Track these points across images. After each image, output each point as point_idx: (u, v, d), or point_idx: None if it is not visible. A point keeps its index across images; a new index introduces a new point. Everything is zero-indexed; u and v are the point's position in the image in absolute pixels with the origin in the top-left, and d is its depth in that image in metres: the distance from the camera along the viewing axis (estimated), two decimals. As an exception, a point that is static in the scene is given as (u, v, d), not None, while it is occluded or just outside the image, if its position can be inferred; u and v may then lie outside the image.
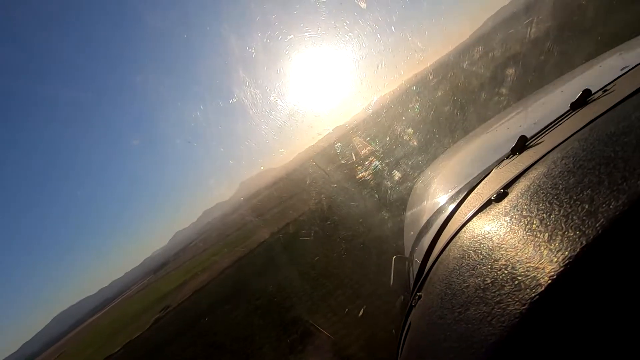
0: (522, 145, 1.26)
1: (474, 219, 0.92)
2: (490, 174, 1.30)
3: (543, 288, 0.48)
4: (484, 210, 0.91)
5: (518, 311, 0.50)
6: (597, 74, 1.93)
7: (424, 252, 1.21)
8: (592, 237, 0.48)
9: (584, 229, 0.51)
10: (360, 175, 10.56)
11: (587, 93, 1.24)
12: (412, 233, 1.87)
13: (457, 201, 1.32)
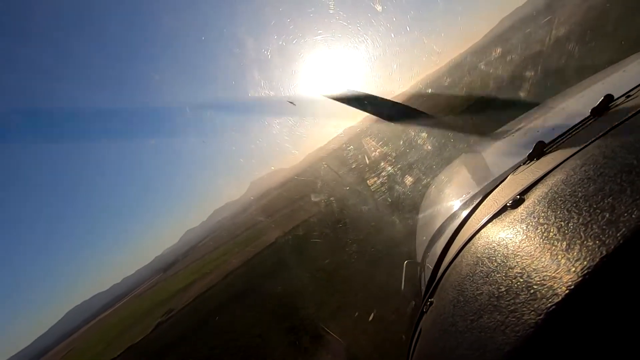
0: (539, 151, 1.23)
1: (489, 225, 0.91)
2: (506, 180, 1.27)
3: (560, 298, 0.47)
4: (499, 217, 0.90)
5: (533, 321, 0.49)
6: (619, 79, 1.87)
7: (436, 258, 1.19)
8: (612, 247, 0.47)
9: (604, 238, 0.49)
10: (372, 178, 10.49)
11: (609, 98, 1.20)
12: (424, 238, 1.85)
13: (472, 207, 1.30)
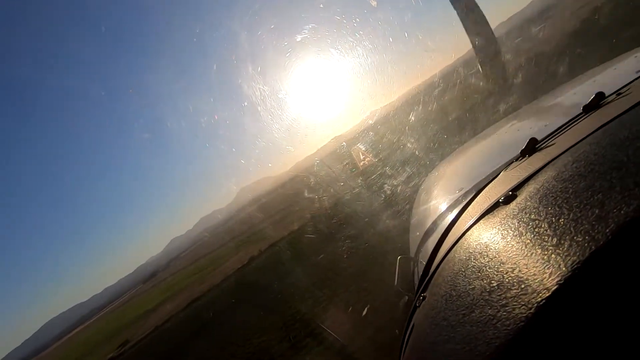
0: (532, 147, 1.24)
1: (481, 221, 0.92)
2: (499, 176, 1.28)
3: (550, 292, 0.48)
4: (492, 213, 0.90)
5: (524, 315, 0.49)
6: (611, 77, 1.90)
7: (429, 253, 1.20)
8: (601, 242, 0.48)
9: (593, 234, 0.50)
10: (363, 184, 10.47)
11: (600, 96, 1.22)
12: (417, 233, 1.86)
13: (464, 203, 1.31)
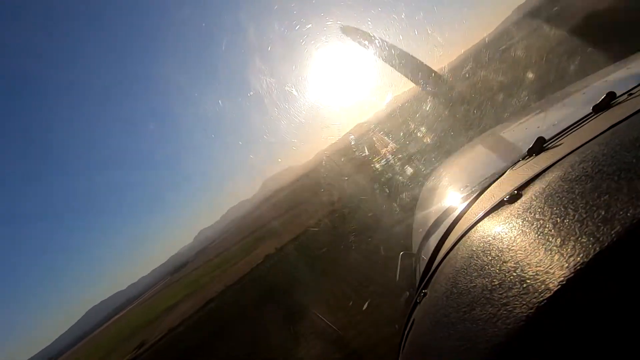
0: (539, 146, 1.23)
1: (485, 219, 0.91)
2: (504, 175, 1.27)
3: (551, 293, 0.48)
4: (496, 211, 0.90)
5: (524, 314, 0.49)
6: (622, 76, 1.86)
7: (431, 250, 1.20)
8: (606, 244, 0.47)
9: (598, 235, 0.50)
10: (382, 174, 10.37)
11: (611, 96, 1.20)
12: (421, 230, 1.86)
13: (469, 200, 1.30)
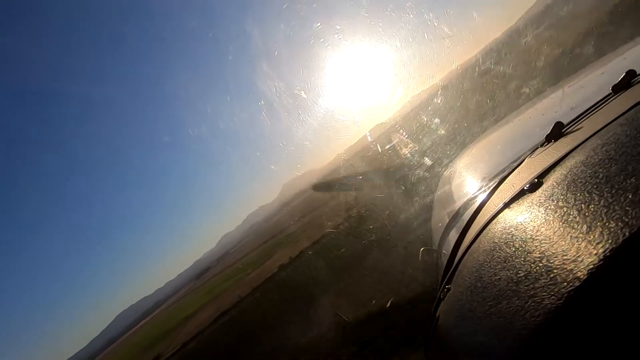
0: (558, 132, 1.19)
1: (506, 210, 0.89)
2: (523, 163, 1.24)
3: (581, 282, 0.46)
4: (517, 201, 0.88)
5: (553, 305, 0.48)
6: None
7: (452, 244, 1.19)
8: (636, 228, 0.45)
9: (627, 219, 0.48)
10: (401, 172, 10.26)
11: (631, 74, 1.15)
12: (440, 225, 1.83)
13: (488, 192, 1.28)
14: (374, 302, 4.57)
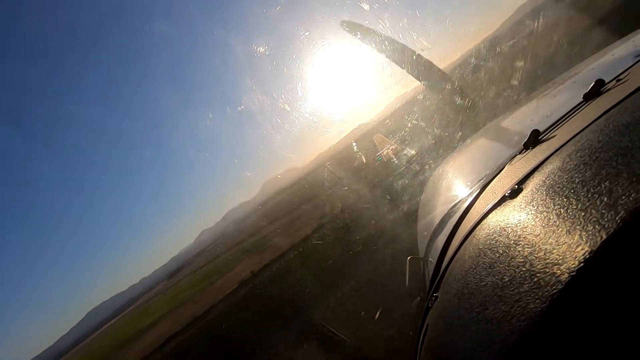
0: (534, 139, 1.23)
1: (489, 216, 0.91)
2: (503, 170, 1.28)
3: (563, 285, 0.47)
4: (499, 207, 0.90)
5: (539, 309, 0.49)
6: (609, 63, 1.88)
7: (438, 252, 1.20)
8: (612, 230, 0.47)
9: (603, 222, 0.49)
10: (383, 174, 10.32)
11: (600, 83, 1.21)
12: (425, 233, 1.85)
13: (471, 199, 1.30)
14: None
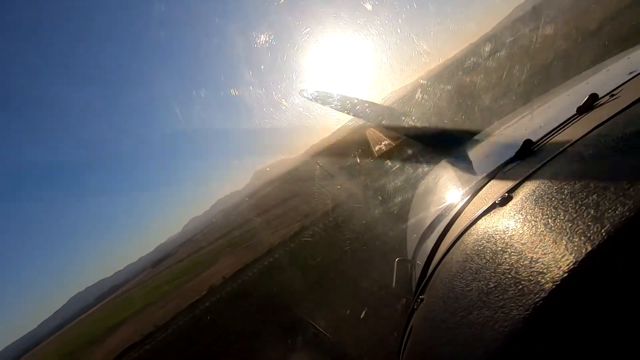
0: (527, 149, 1.25)
1: (478, 222, 0.92)
2: (495, 178, 1.29)
3: (547, 293, 0.48)
4: (488, 214, 0.91)
5: (521, 316, 0.49)
6: (604, 78, 1.92)
7: (427, 255, 1.20)
8: (597, 242, 0.48)
9: (589, 234, 0.50)
10: (374, 171, 10.29)
11: (593, 97, 1.23)
12: (415, 235, 1.86)
13: (461, 205, 1.31)
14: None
